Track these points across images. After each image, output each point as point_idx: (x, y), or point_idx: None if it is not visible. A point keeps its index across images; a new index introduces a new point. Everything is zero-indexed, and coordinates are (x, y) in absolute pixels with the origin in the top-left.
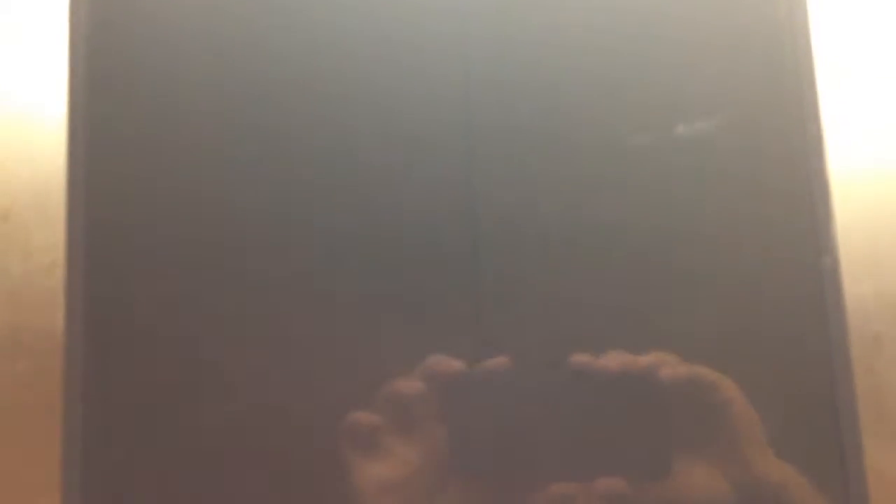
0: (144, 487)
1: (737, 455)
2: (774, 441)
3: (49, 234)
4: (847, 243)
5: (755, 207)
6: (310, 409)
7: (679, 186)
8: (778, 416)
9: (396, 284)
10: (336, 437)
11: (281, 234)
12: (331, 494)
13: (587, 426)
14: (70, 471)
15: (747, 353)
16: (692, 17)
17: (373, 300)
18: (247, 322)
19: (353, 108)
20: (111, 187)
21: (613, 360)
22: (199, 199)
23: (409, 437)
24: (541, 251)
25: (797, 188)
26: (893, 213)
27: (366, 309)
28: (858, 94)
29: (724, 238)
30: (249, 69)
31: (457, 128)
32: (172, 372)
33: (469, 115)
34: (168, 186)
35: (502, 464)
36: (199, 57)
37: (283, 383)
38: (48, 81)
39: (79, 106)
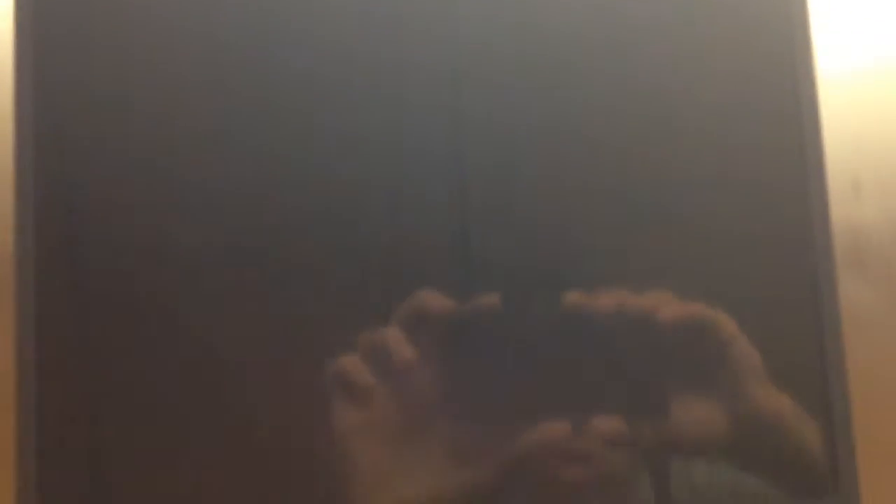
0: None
1: (736, 391)
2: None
3: None
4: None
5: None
6: (293, 349)
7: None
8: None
9: (385, 220)
10: (322, 382)
11: (265, 166)
12: (317, 441)
13: (581, 366)
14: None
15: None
16: None
17: (360, 237)
18: (224, 255)
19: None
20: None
21: (609, 298)
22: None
23: (397, 378)
24: (531, 184)
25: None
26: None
27: (353, 246)
28: None
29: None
30: None
31: (444, 63)
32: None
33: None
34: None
35: (492, 404)
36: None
37: (267, 322)
38: None
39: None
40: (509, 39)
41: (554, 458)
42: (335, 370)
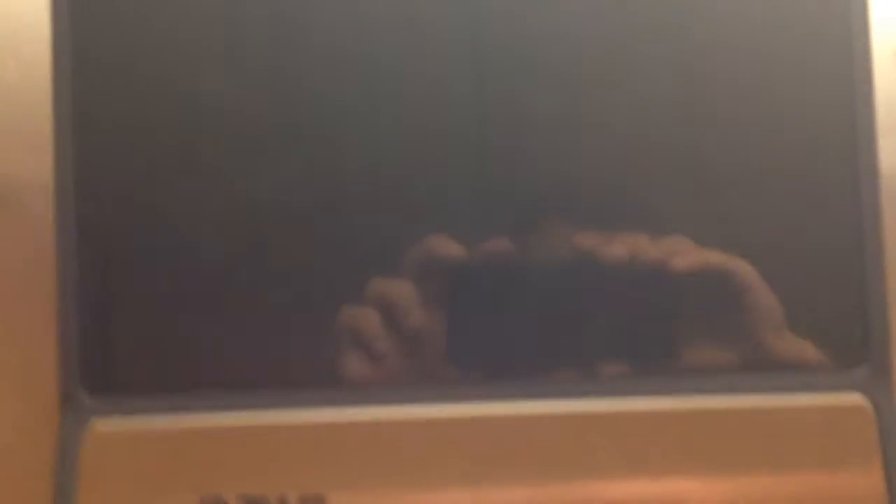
0: None
1: (755, 341)
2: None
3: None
4: None
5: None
6: (310, 289)
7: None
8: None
9: (398, 164)
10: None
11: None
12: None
13: (594, 312)
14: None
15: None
16: None
17: (374, 178)
18: (249, 186)
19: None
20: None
21: (623, 244)
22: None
23: (408, 324)
24: (552, 122)
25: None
26: None
27: (366, 187)
28: None
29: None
30: None
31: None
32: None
33: None
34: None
35: (502, 350)
36: None
37: (285, 262)
38: None
39: None
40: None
41: None
42: (347, 322)
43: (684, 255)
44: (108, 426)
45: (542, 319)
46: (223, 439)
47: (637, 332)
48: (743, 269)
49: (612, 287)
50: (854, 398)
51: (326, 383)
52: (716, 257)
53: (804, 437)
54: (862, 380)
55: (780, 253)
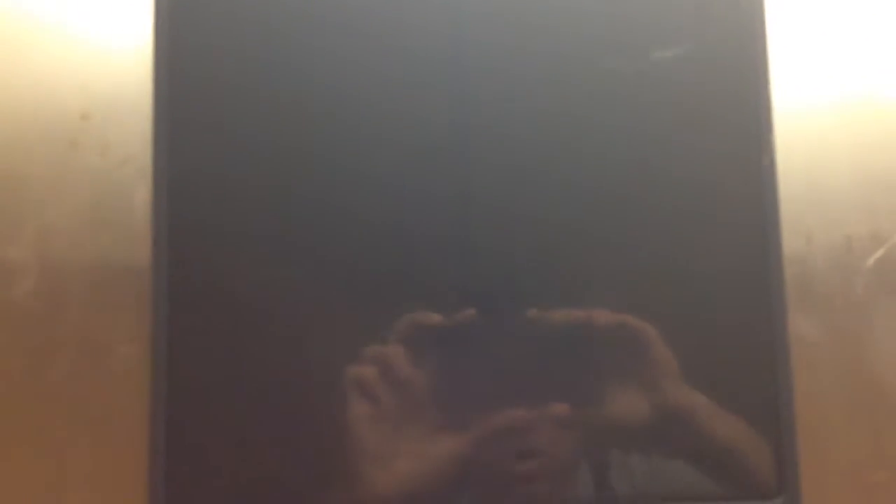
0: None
1: (656, 387)
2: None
3: (124, 132)
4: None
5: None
6: (310, 358)
7: (642, 113)
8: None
9: (384, 252)
10: (336, 384)
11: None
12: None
13: (539, 366)
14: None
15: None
16: None
17: (362, 266)
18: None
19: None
20: (194, 93)
21: (560, 313)
22: (277, 111)
23: (397, 379)
24: (504, 212)
25: (743, 107)
26: (827, 125)
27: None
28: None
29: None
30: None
31: (448, 81)
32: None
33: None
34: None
35: (471, 397)
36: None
37: (291, 342)
38: None
39: (163, 16)
40: (513, 46)
41: (513, 439)
42: (353, 376)
43: (603, 316)
44: None
45: (499, 370)
46: None
47: (572, 379)
48: (649, 328)
49: (554, 345)
50: None
51: None
52: (627, 318)
53: None
54: None
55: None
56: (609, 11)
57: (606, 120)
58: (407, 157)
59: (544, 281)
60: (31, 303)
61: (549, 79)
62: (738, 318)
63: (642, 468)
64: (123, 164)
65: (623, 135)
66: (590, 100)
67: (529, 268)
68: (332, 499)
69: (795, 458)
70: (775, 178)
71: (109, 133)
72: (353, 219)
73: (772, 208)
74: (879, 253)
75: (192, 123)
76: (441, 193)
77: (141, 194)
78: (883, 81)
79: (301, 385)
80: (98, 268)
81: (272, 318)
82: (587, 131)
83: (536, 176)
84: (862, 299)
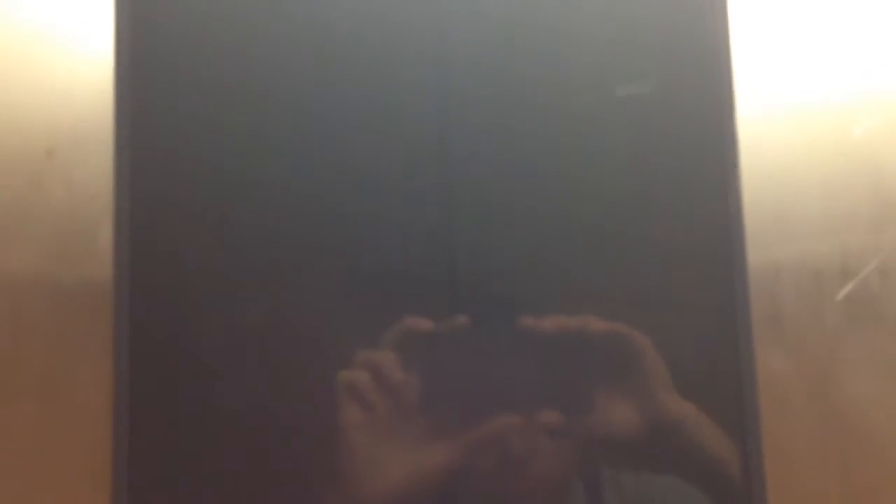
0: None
1: (647, 395)
2: (678, 380)
3: (90, 170)
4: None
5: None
6: (305, 367)
7: (613, 145)
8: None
9: (375, 259)
10: (327, 393)
11: (266, 201)
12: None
13: (531, 373)
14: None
15: (663, 301)
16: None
17: (359, 275)
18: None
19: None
20: (155, 129)
21: (551, 320)
22: (242, 139)
23: (387, 385)
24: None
25: (709, 145)
26: (798, 159)
27: (354, 283)
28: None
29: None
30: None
31: (431, 96)
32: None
33: (443, 80)
34: (211, 129)
35: (462, 403)
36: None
37: (283, 348)
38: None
39: (124, 51)
40: (496, 63)
41: (504, 445)
42: (345, 381)
43: (595, 323)
44: None
45: (490, 377)
46: None
47: (563, 386)
48: (640, 336)
49: (545, 353)
50: None
51: None
52: (619, 326)
53: None
54: None
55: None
56: (575, 48)
57: (572, 158)
58: (395, 166)
59: (535, 289)
60: None
61: (526, 109)
62: (706, 354)
63: (631, 481)
64: (89, 202)
65: (584, 180)
66: (557, 137)
67: (520, 275)
68: None
69: (764, 495)
70: (741, 216)
71: (74, 170)
72: (338, 229)
73: (739, 245)
74: (848, 288)
75: (155, 159)
76: (430, 199)
77: (105, 232)
78: (853, 118)
79: (283, 403)
80: (61, 307)
81: (245, 350)
82: (554, 172)
83: (518, 175)
84: (831, 334)
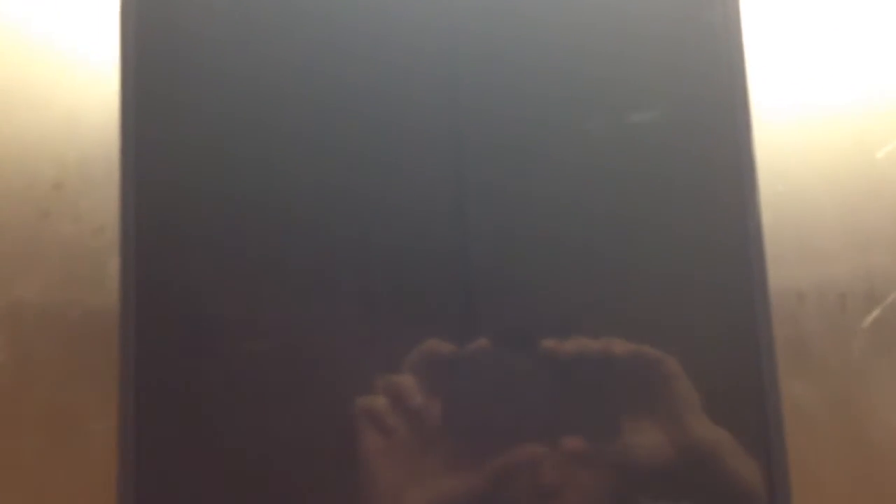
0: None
1: (677, 421)
2: (707, 405)
3: (96, 201)
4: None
5: (688, 189)
6: (317, 393)
7: (625, 172)
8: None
9: (393, 282)
10: (346, 417)
11: (276, 229)
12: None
13: (554, 398)
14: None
15: (683, 326)
16: (638, 19)
17: (373, 295)
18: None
19: (340, 91)
20: (160, 155)
21: (574, 343)
22: (247, 165)
23: (408, 410)
24: (525, 244)
25: (726, 167)
26: (818, 178)
27: (368, 302)
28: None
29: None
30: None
31: (445, 121)
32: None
33: (456, 114)
34: (216, 153)
35: (484, 429)
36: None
37: (301, 370)
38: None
39: (129, 81)
40: (510, 70)
41: (527, 475)
42: (363, 407)
43: (621, 346)
44: None
45: (512, 402)
46: None
47: (587, 412)
48: (669, 359)
49: (568, 376)
50: None
51: None
52: (646, 349)
53: None
54: None
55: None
56: (586, 73)
57: (583, 186)
58: (410, 185)
59: (557, 311)
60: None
61: (532, 137)
62: (729, 385)
63: None
64: (96, 234)
65: (602, 202)
66: (566, 163)
67: (541, 297)
68: None
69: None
70: (762, 241)
71: (82, 202)
72: (353, 252)
73: (760, 271)
74: (875, 313)
75: (161, 190)
76: (448, 218)
77: (114, 264)
78: (874, 139)
79: (298, 432)
80: (69, 341)
81: (256, 379)
82: (564, 199)
83: (536, 193)
84: (858, 362)
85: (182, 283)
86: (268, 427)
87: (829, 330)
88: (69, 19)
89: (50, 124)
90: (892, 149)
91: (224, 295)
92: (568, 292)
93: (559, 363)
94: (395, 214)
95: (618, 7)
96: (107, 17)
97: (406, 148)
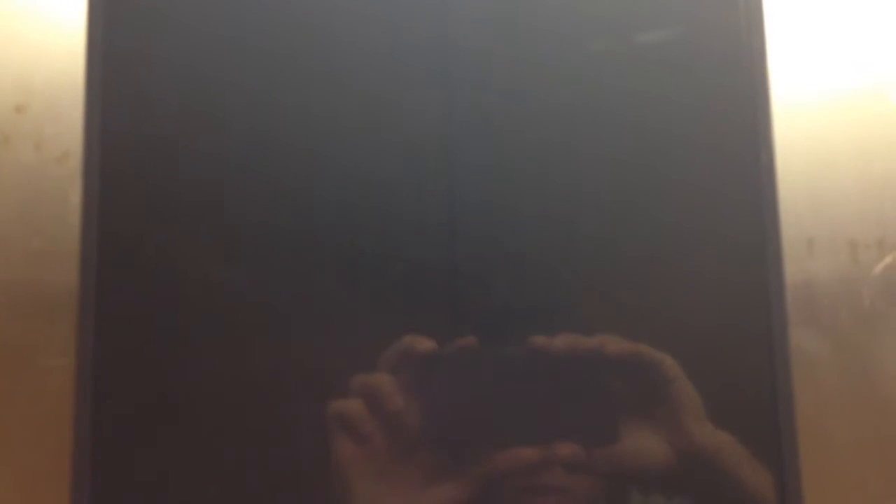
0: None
1: (678, 426)
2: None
3: (61, 127)
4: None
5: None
6: (294, 392)
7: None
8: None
9: (376, 277)
10: (321, 418)
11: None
12: (315, 469)
13: (544, 399)
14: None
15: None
16: None
17: (353, 292)
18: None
19: (330, 90)
20: (126, 87)
21: (565, 339)
22: (211, 105)
23: (387, 411)
24: (510, 237)
25: (739, 104)
26: (829, 128)
27: (347, 299)
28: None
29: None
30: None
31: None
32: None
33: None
34: (181, 97)
35: (469, 432)
36: None
37: (272, 369)
38: None
39: (98, 6)
40: (502, 70)
41: (518, 479)
42: (336, 411)
43: (616, 344)
44: None
45: (499, 403)
46: None
47: (581, 415)
48: (668, 361)
49: (558, 376)
50: None
51: None
52: (644, 348)
53: None
54: None
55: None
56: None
57: (593, 112)
58: (397, 171)
59: (547, 304)
60: None
61: (538, 71)
62: (735, 332)
63: None
64: (60, 161)
65: (611, 130)
66: (576, 87)
67: (531, 290)
68: None
69: (799, 487)
70: (774, 176)
71: (46, 127)
72: (330, 237)
73: (771, 209)
74: (887, 260)
75: (126, 118)
76: (432, 203)
77: (77, 193)
78: (890, 80)
79: (266, 435)
80: (27, 273)
81: (218, 338)
82: (572, 124)
83: (526, 176)
84: (869, 311)
85: (146, 215)
86: (234, 428)
87: (838, 277)
88: None
89: (15, 46)
90: None
91: (181, 248)
92: (561, 282)
93: (549, 362)
94: (378, 194)
95: None
96: None
97: (392, 125)
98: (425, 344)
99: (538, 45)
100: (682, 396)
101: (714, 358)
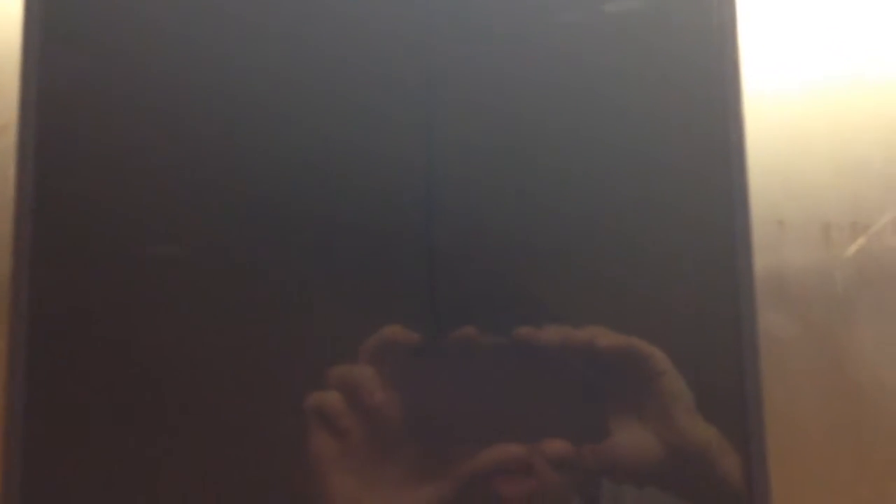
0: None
1: (668, 420)
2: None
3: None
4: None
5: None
6: (268, 385)
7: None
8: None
9: (355, 264)
10: (297, 413)
11: (235, 212)
12: (292, 468)
13: (532, 392)
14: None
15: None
16: None
17: (331, 277)
18: (201, 297)
19: (307, 79)
20: (65, 58)
21: (554, 332)
22: (160, 77)
23: (367, 405)
24: (495, 227)
25: (708, 83)
26: (804, 109)
27: (326, 285)
28: None
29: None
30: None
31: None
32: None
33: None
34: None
35: (454, 428)
36: None
37: (240, 360)
38: None
39: None
40: (483, 71)
41: (503, 475)
42: (314, 403)
43: (606, 337)
44: None
45: (485, 396)
46: None
47: (570, 409)
48: (658, 353)
49: (547, 369)
50: None
51: None
52: (636, 342)
53: None
54: None
55: None
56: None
57: (564, 87)
58: (374, 158)
59: (534, 295)
60: None
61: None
62: (703, 315)
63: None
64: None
65: (579, 106)
66: (546, 60)
67: (518, 280)
68: None
69: (766, 472)
70: (745, 156)
71: None
72: (308, 225)
73: (741, 190)
74: (860, 242)
75: (65, 90)
76: (412, 189)
77: (11, 165)
78: (865, 59)
79: (239, 430)
80: None
81: (170, 322)
82: (544, 99)
83: (496, 153)
84: (841, 294)
85: (84, 193)
86: (203, 421)
87: (810, 260)
88: None
89: None
90: (885, 76)
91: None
92: (548, 271)
93: (537, 354)
94: (356, 182)
95: None
96: None
97: (371, 113)
98: (406, 335)
99: (510, 18)
100: (673, 389)
101: (681, 341)
